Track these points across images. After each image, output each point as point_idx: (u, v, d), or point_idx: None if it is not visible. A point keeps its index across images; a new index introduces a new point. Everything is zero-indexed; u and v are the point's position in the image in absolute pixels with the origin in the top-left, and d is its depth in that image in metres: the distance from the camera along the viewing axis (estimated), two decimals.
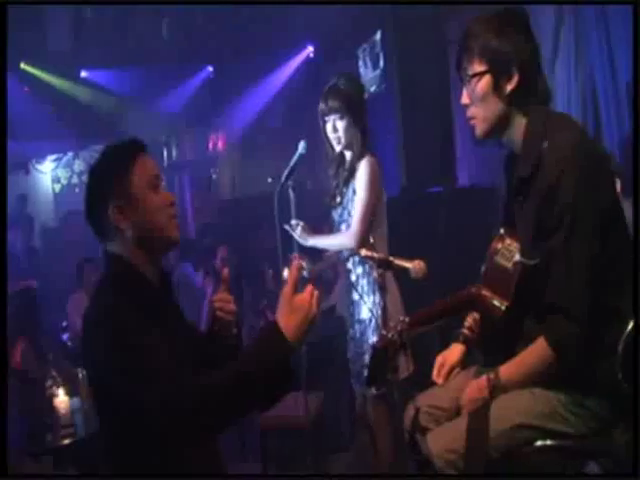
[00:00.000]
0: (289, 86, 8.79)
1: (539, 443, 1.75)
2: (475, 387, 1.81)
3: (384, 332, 1.95)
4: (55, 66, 8.20)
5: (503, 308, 1.80)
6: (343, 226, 3.03)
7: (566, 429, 1.76)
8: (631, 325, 1.60)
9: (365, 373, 2.69)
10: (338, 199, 3.07)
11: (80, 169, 10.20)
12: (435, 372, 2.10)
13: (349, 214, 2.99)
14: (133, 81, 8.58)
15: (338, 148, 3.03)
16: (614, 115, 3.85)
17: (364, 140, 3.00)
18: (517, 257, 1.80)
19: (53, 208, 10.40)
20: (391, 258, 2.18)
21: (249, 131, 9.20)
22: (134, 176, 1.73)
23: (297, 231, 3.01)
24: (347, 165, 3.03)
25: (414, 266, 2.08)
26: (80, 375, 3.55)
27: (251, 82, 8.78)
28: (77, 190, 10.80)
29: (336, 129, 2.98)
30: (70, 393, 3.41)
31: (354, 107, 2.97)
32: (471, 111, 1.87)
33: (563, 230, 1.68)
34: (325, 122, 3.01)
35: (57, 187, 10.39)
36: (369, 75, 7.05)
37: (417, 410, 2.00)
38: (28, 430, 3.29)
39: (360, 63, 7.25)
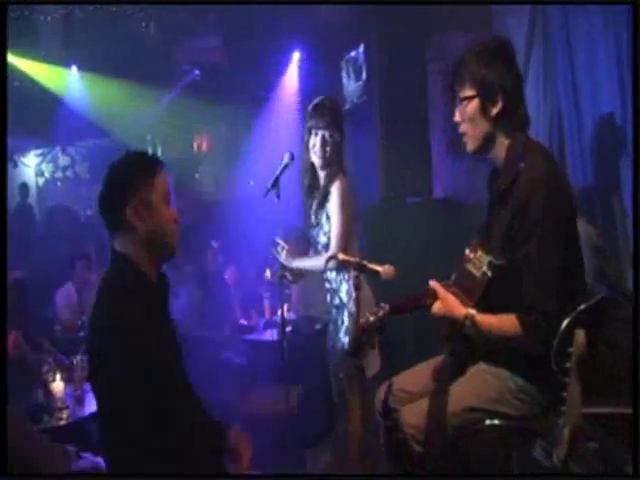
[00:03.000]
0: (273, 91, 8.95)
1: (488, 422, 2.07)
2: (455, 302, 2.09)
3: (367, 314, 2.23)
4: (45, 61, 8.33)
5: (470, 305, 2.07)
6: (319, 245, 3.21)
7: (511, 412, 2.08)
8: (565, 323, 1.89)
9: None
10: (313, 219, 3.23)
11: (64, 164, 10.35)
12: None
13: (324, 234, 3.16)
14: (120, 80, 8.72)
15: (319, 163, 3.17)
16: (577, 140, 4.17)
17: (341, 160, 3.16)
18: (485, 268, 2.07)
19: (37, 201, 10.54)
20: (364, 262, 2.53)
21: (233, 134, 9.35)
22: (155, 187, 1.98)
23: (282, 255, 3.19)
24: (321, 188, 3.18)
25: (384, 269, 2.45)
26: (74, 362, 3.79)
27: (236, 86, 8.93)
28: (59, 184, 10.97)
29: (325, 143, 3.11)
30: (64, 380, 3.62)
31: (340, 126, 3.16)
32: (462, 128, 2.18)
33: (533, 241, 1.97)
34: (313, 135, 3.14)
35: (41, 181, 10.52)
36: (351, 86, 7.26)
37: (389, 388, 2.30)
38: (26, 413, 3.49)
39: (343, 74, 7.46)
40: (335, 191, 3.11)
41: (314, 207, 3.24)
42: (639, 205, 2.33)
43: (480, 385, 2.13)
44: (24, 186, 9.33)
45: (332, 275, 3.21)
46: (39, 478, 2.89)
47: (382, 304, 2.23)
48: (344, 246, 3.06)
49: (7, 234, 3.27)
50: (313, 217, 3.25)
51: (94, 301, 1.97)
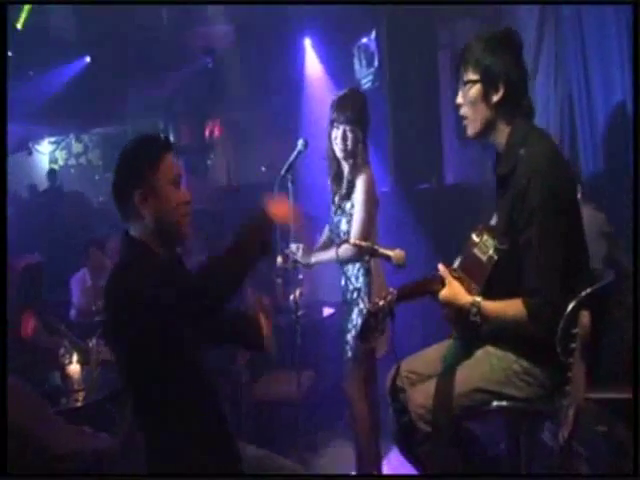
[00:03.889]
0: (284, 77, 8.95)
1: (495, 403, 2.11)
2: (461, 289, 2.13)
3: (376, 300, 2.27)
4: (59, 51, 8.39)
5: (475, 293, 2.12)
6: (341, 233, 3.27)
7: (517, 393, 2.12)
8: (571, 306, 1.93)
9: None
10: (336, 207, 3.30)
11: (78, 151, 10.45)
12: None
13: (347, 222, 3.23)
14: (132, 66, 8.76)
15: (341, 155, 3.23)
16: (588, 128, 4.18)
17: (365, 153, 3.22)
18: (491, 252, 2.11)
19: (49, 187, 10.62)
20: (376, 247, 2.58)
21: (245, 120, 9.38)
22: (160, 171, 1.96)
23: (299, 254, 3.25)
24: (346, 176, 3.25)
25: (395, 254, 2.50)
26: (90, 345, 3.86)
27: (248, 71, 8.93)
28: (72, 171, 11.07)
29: (346, 137, 3.17)
30: (81, 362, 3.70)
31: (364, 120, 3.21)
32: (463, 110, 2.21)
33: (533, 227, 2.00)
34: (335, 129, 3.19)
35: (55, 167, 10.61)
36: (363, 72, 7.27)
37: (397, 369, 2.36)
38: (43, 395, 3.56)
39: (355, 60, 7.47)
40: (360, 183, 3.17)
41: (339, 196, 3.29)
42: (639, 204, 2.35)
43: (486, 367, 2.17)
44: (52, 172, 9.40)
45: (350, 261, 3.26)
46: (39, 478, 2.95)
47: (391, 289, 2.28)
48: (365, 235, 3.11)
49: (6, 225, 3.29)
50: (336, 205, 3.31)
51: (107, 281, 1.97)
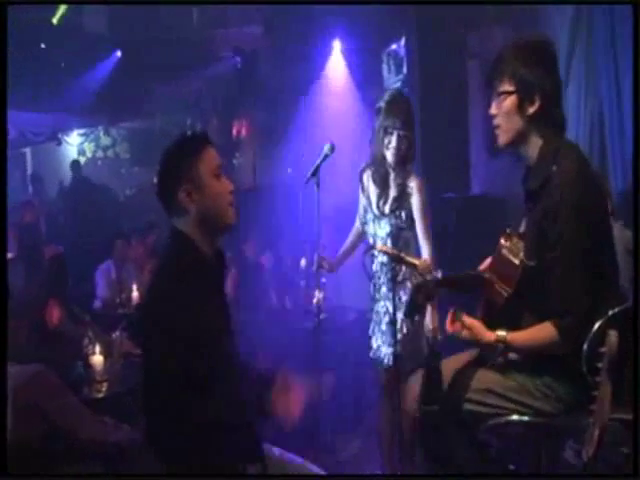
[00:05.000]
0: (315, 79, 8.95)
1: (515, 417, 2.11)
2: (482, 328, 2.12)
3: (423, 274, 2.33)
4: (91, 45, 8.52)
5: (505, 295, 2.12)
6: (378, 238, 3.27)
7: (531, 402, 2.11)
8: (597, 326, 1.94)
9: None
10: (377, 211, 3.29)
11: (106, 144, 10.56)
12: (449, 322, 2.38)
13: (392, 225, 3.23)
14: (162, 64, 8.85)
15: (393, 160, 3.21)
16: (618, 143, 4.16)
17: (413, 158, 3.25)
18: (522, 255, 2.11)
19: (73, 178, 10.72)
20: (402, 254, 2.61)
21: (273, 120, 9.41)
22: (201, 164, 2.01)
23: (326, 266, 3.30)
24: (395, 179, 3.24)
25: (420, 263, 2.54)
26: (114, 337, 3.92)
27: (277, 72, 8.96)
28: (100, 164, 11.20)
29: (400, 143, 3.15)
30: (104, 354, 3.75)
31: (413, 123, 3.22)
32: (497, 121, 2.19)
33: (562, 245, 1.99)
34: (389, 134, 3.16)
35: (82, 159, 10.73)
36: (392, 79, 7.27)
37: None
38: (67, 384, 3.62)
39: (384, 67, 7.46)
40: (419, 191, 3.19)
41: (388, 200, 3.28)
42: (639, 205, 2.34)
43: (503, 376, 2.17)
44: (75, 163, 9.48)
45: (375, 267, 3.29)
46: (39, 478, 2.99)
47: (438, 270, 2.30)
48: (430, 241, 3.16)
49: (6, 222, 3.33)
50: (379, 209, 3.30)
51: (151, 276, 2.05)
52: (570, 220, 1.99)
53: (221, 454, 1.93)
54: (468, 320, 2.14)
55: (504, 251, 2.18)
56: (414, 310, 2.37)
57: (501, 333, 2.07)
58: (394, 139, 3.16)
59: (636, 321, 2.00)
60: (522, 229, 2.27)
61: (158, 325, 1.92)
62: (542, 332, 2.03)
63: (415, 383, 2.31)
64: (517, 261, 2.12)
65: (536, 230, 2.09)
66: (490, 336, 2.08)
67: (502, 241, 2.22)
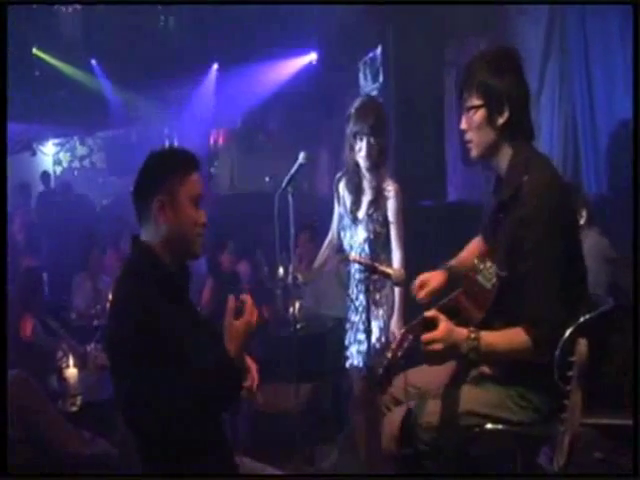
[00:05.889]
0: (289, 89, 8.96)
1: (490, 426, 2.10)
2: (455, 329, 1.99)
3: (394, 347, 2.25)
4: (67, 53, 8.44)
5: (479, 317, 2.10)
6: (356, 244, 3.27)
7: (511, 417, 2.10)
8: (567, 333, 1.94)
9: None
10: (351, 217, 3.28)
11: (82, 154, 10.46)
12: (417, 287, 2.36)
13: (367, 230, 3.22)
14: (139, 74, 8.80)
15: (365, 165, 3.20)
16: (591, 147, 4.21)
17: (387, 162, 3.23)
18: (495, 280, 2.09)
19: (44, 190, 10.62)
20: (376, 264, 2.56)
21: (249, 129, 9.41)
22: (185, 186, 1.98)
23: (299, 276, 3.27)
24: (369, 185, 3.24)
25: (394, 272, 2.48)
26: (88, 349, 3.87)
27: (254, 81, 8.96)
28: (76, 174, 11.10)
29: (371, 148, 3.14)
30: (78, 366, 3.70)
31: (384, 129, 3.19)
32: (468, 135, 2.17)
33: (534, 257, 1.99)
34: (358, 140, 3.15)
35: (58, 169, 10.64)
36: (368, 87, 7.30)
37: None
38: None
39: (360, 75, 7.49)
40: (394, 196, 3.20)
41: (362, 205, 3.26)
42: (639, 205, 2.35)
43: (481, 390, 2.17)
44: (45, 174, 9.39)
45: (350, 277, 3.29)
46: (39, 478, 2.95)
47: (407, 333, 2.25)
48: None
49: (6, 224, 3.30)
50: (353, 215, 3.28)
51: (113, 288, 2.02)
52: (542, 229, 1.99)
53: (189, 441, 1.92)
54: (439, 316, 2.02)
55: (478, 277, 2.16)
56: (386, 381, 2.32)
57: (472, 334, 2.00)
58: (364, 145, 3.15)
59: (636, 321, 2.00)
60: (493, 240, 2.25)
61: (120, 334, 1.89)
62: (515, 337, 2.01)
63: (395, 420, 2.24)
64: (490, 286, 2.10)
65: (508, 240, 2.08)
66: (462, 332, 1.99)
67: (475, 262, 2.21)
